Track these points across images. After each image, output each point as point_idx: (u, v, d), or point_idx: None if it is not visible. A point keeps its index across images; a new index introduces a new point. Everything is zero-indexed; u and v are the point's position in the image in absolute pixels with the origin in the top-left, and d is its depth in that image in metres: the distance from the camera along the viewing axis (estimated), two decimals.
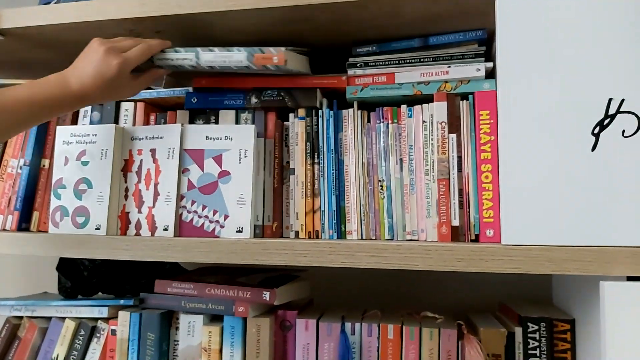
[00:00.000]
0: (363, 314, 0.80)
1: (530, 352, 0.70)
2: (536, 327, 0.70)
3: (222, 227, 0.73)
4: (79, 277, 0.87)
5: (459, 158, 0.70)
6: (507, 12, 0.62)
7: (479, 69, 0.71)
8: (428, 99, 0.73)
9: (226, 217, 0.73)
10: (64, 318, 0.85)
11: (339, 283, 1.01)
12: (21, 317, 0.89)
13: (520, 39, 0.61)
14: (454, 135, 0.71)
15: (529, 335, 0.71)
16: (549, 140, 0.59)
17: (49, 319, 0.87)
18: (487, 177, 0.67)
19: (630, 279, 0.55)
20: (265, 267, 0.96)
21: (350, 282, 1.01)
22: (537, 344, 0.70)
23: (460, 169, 0.70)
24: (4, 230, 0.82)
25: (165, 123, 0.81)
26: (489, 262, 0.57)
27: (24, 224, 0.83)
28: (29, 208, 0.83)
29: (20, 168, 0.84)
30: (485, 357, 0.69)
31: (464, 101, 0.71)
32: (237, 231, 0.72)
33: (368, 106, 0.76)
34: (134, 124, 0.82)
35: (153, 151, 0.76)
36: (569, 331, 0.70)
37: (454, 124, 0.71)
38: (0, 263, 1.23)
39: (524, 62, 0.61)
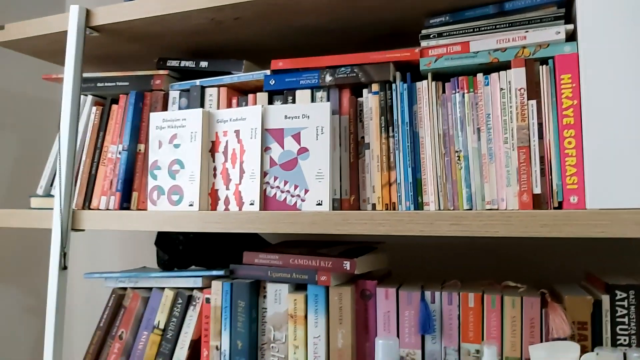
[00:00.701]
0: (442, 284, 0.81)
1: (618, 319, 0.69)
2: (624, 295, 0.69)
3: (302, 200, 0.76)
4: (175, 251, 0.96)
5: (539, 125, 0.69)
6: None
7: (559, 32, 0.69)
8: (505, 66, 0.72)
9: (306, 191, 0.76)
10: (163, 288, 0.94)
11: (417, 255, 1.03)
12: (125, 288, 0.99)
13: None
14: (533, 102, 0.69)
15: (617, 303, 0.69)
16: (634, 100, 0.56)
17: (150, 289, 0.96)
18: (569, 142, 0.65)
19: None
20: (344, 241, 0.99)
21: (428, 254, 1.02)
22: (625, 311, 0.68)
23: (541, 136, 0.69)
24: (108, 210, 0.91)
25: (246, 105, 0.85)
26: (574, 227, 0.56)
27: (125, 204, 0.91)
28: (129, 189, 0.91)
29: (119, 153, 0.92)
30: (571, 325, 0.68)
31: (544, 66, 0.69)
32: (317, 204, 0.76)
33: (442, 77, 0.76)
34: (217, 108, 0.87)
35: (237, 132, 0.81)
36: None
37: (533, 90, 0.70)
38: (103, 241, 1.36)
39: (606, 22, 0.59)
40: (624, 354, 0.64)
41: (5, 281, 1.25)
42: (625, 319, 0.69)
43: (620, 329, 0.69)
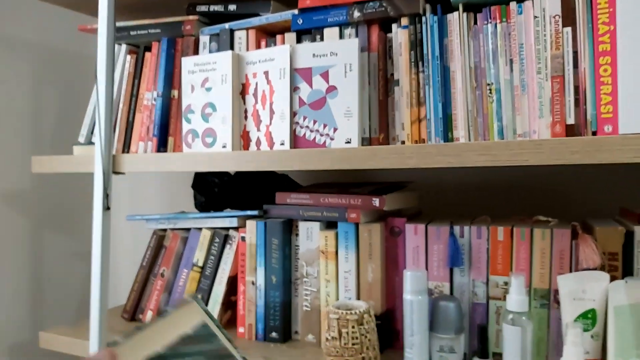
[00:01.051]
0: (472, 221, 0.82)
1: None
2: None
3: (332, 139, 0.77)
4: (210, 194, 0.99)
5: (575, 53, 0.67)
6: None
7: None
8: None
9: (335, 130, 0.77)
10: (200, 229, 0.98)
11: (448, 195, 1.03)
12: (165, 230, 1.04)
13: None
14: (568, 29, 0.67)
15: None
16: None
17: (188, 230, 1.00)
18: (605, 70, 0.63)
19: None
20: (375, 181, 1.01)
21: (460, 193, 1.02)
22: None
23: (576, 65, 0.67)
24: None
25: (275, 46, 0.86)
26: (605, 153, 0.55)
27: (161, 149, 0.95)
28: (165, 134, 0.95)
29: (154, 99, 0.95)
30: (601, 255, 0.68)
31: None
32: (346, 142, 0.77)
33: (474, 8, 0.74)
34: (247, 50, 0.88)
35: (266, 73, 0.82)
36: None
37: (569, 17, 0.67)
38: (145, 186, 1.42)
39: None
40: None
41: (53, 227, 1.33)
42: None
43: None
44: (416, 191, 0.91)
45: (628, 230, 0.69)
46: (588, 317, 0.66)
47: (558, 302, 0.70)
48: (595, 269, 0.68)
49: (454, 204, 1.03)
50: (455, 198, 1.03)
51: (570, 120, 0.67)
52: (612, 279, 0.68)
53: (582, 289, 0.66)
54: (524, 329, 0.66)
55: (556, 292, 0.71)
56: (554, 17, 0.67)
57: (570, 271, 0.70)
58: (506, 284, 0.74)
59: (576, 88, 0.67)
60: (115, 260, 1.46)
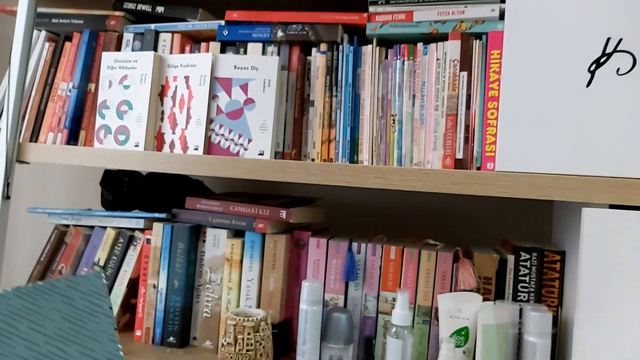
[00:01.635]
0: (370, 238, 0.87)
1: (520, 278, 0.76)
2: (528, 256, 0.76)
3: (245, 149, 0.80)
4: (119, 192, 0.98)
5: (468, 95, 0.75)
6: None
7: (494, 10, 0.74)
8: (443, 37, 0.77)
9: (249, 141, 0.80)
10: (105, 227, 0.96)
11: (354, 213, 1.09)
12: (68, 225, 1.01)
13: None
14: (464, 73, 0.75)
15: (521, 263, 0.76)
16: (547, 77, 0.63)
17: (92, 227, 0.98)
18: (492, 113, 0.71)
19: (613, 207, 0.60)
20: (285, 195, 1.04)
21: (364, 213, 1.08)
22: (527, 271, 0.76)
23: (468, 106, 0.75)
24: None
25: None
26: (482, 186, 0.63)
27: (72, 142, 0.92)
28: (77, 127, 0.92)
29: (69, 91, 0.93)
30: (477, 280, 0.76)
31: (477, 41, 0.75)
32: (259, 154, 0.79)
33: (386, 43, 0.81)
34: (170, 54, 0.89)
35: (187, 78, 0.83)
36: (559, 262, 0.75)
37: (466, 62, 0.75)
38: (51, 179, 1.36)
39: (531, 3, 0.64)
40: (520, 308, 0.72)
41: None
42: (527, 278, 0.76)
43: (522, 287, 0.77)
44: (323, 207, 0.96)
45: (502, 258, 0.77)
46: (462, 334, 0.73)
47: (438, 319, 0.76)
48: (471, 290, 0.75)
49: (359, 222, 1.08)
50: (361, 216, 1.08)
51: (460, 155, 0.74)
52: (485, 300, 0.75)
53: (458, 308, 0.73)
54: (405, 342, 0.72)
55: (437, 309, 0.77)
56: (453, 61, 0.75)
57: (450, 291, 0.77)
58: (394, 299, 0.80)
59: (467, 127, 0.75)
60: (12, 253, 1.38)
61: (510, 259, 0.77)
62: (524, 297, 0.77)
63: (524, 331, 0.69)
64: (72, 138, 0.92)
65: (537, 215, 0.98)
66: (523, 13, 0.64)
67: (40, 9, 0.95)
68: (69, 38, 0.96)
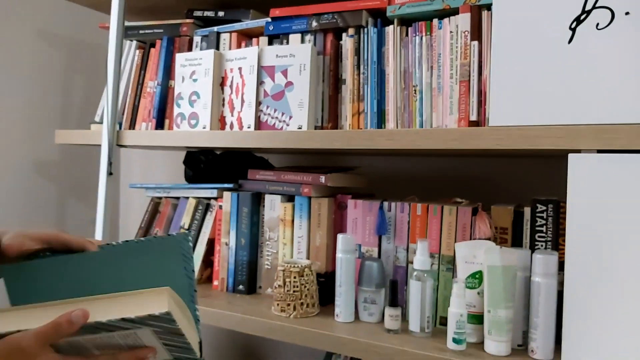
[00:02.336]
0: (401, 199, 0.98)
1: (537, 228, 0.82)
2: (544, 208, 0.82)
3: (287, 125, 0.95)
4: (198, 169, 1.18)
5: (480, 63, 0.82)
6: None
7: None
8: (455, 12, 0.85)
9: (290, 117, 0.94)
10: (188, 197, 1.17)
11: (398, 182, 1.19)
12: (161, 197, 1.24)
13: None
14: (475, 42, 0.82)
15: (537, 214, 0.82)
16: (531, 36, 0.69)
17: (178, 198, 1.19)
18: None
19: (600, 152, 0.65)
20: (333, 166, 1.17)
21: (408, 181, 1.18)
22: (544, 222, 0.82)
23: (480, 72, 0.82)
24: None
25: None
26: (477, 141, 0.71)
27: (159, 128, 1.14)
28: (162, 116, 1.14)
29: (155, 88, 1.14)
30: (493, 230, 0.83)
31: (486, 11, 0.81)
32: (297, 128, 0.94)
33: (406, 22, 0.90)
34: (230, 49, 1.06)
35: (240, 69, 1.00)
36: None
37: (476, 32, 0.82)
38: (151, 159, 1.63)
39: None
40: (531, 254, 0.78)
41: (76, 196, 1.55)
42: (543, 228, 0.82)
43: (539, 237, 0.83)
44: (363, 175, 1.08)
45: (519, 210, 0.84)
46: (476, 277, 0.81)
47: None
48: (488, 239, 0.83)
49: (404, 189, 1.18)
50: (406, 184, 1.18)
51: (473, 117, 0.82)
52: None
53: (473, 254, 0.81)
54: (424, 284, 0.82)
55: None
56: (464, 32, 0.83)
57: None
58: None
59: (480, 91, 0.82)
60: (128, 223, 1.67)
61: (527, 211, 0.83)
62: (541, 246, 0.82)
63: (532, 273, 0.76)
64: (159, 125, 1.14)
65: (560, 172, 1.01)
66: None
67: (131, 23, 1.18)
68: (153, 45, 1.17)
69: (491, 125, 0.72)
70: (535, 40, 0.68)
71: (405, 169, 1.18)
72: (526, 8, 0.70)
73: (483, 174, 1.10)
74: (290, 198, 1.06)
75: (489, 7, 0.82)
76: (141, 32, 1.17)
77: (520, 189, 1.06)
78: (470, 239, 0.86)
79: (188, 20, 1.12)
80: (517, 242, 0.84)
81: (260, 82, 0.98)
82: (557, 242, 0.81)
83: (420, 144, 0.75)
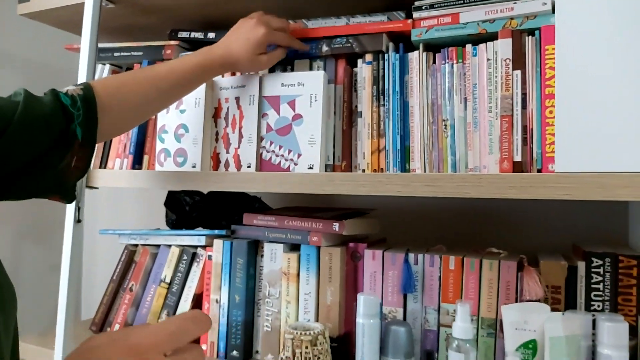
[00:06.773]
0: (427, 249, 0.85)
1: (593, 286, 0.71)
2: (600, 262, 0.71)
3: (295, 164, 0.81)
4: (181, 212, 1.02)
5: (523, 94, 0.71)
6: None
7: (545, 3, 0.70)
8: (492, 37, 0.74)
9: (299, 155, 0.81)
10: (170, 245, 1.00)
11: (413, 223, 1.06)
12: (136, 245, 1.07)
13: None
14: (518, 72, 0.71)
15: (593, 270, 0.71)
16: (604, 69, 0.58)
17: (158, 246, 1.03)
18: (551, 112, 0.67)
19: None
20: (340, 208, 1.04)
21: (423, 223, 1.05)
22: (600, 278, 0.71)
23: (524, 106, 0.71)
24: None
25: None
26: (540, 189, 0.59)
27: (136, 166, 0.98)
28: (140, 152, 0.98)
29: None
30: (544, 289, 0.71)
31: (530, 37, 0.71)
32: (308, 168, 0.80)
33: (433, 48, 0.79)
34: (222, 77, 0.92)
35: (237, 99, 0.86)
36: (635, 267, 0.69)
37: (518, 61, 0.71)
38: (124, 202, 1.45)
39: None
40: (594, 319, 0.67)
41: (33, 240, 1.35)
42: (600, 286, 0.71)
43: (595, 295, 0.71)
44: (378, 219, 0.94)
45: (572, 265, 0.72)
46: (529, 347, 0.68)
47: (503, 332, 0.72)
48: (538, 300, 0.71)
49: (419, 233, 1.06)
50: (420, 227, 1.06)
51: (518, 158, 0.71)
52: (554, 311, 0.70)
53: (525, 319, 0.69)
54: (468, 356, 0.68)
55: (502, 322, 0.73)
56: (505, 60, 0.72)
57: (516, 302, 0.73)
58: (455, 311, 0.77)
59: (524, 127, 0.71)
60: (91, 273, 1.48)
61: (581, 266, 0.72)
62: (598, 306, 0.71)
63: (597, 343, 0.64)
64: (137, 162, 0.98)
65: (610, 218, 0.91)
66: (574, 1, 0.60)
67: (104, 45, 1.02)
68: (130, 69, 1.02)
69: (558, 172, 0.60)
70: (608, 73, 0.58)
71: (418, 206, 1.06)
72: (595, 34, 0.59)
73: (514, 214, 0.99)
74: (294, 247, 0.91)
75: (532, 32, 0.71)
76: (116, 54, 1.02)
77: (556, 233, 0.95)
78: (516, 300, 0.73)
79: (172, 42, 0.97)
80: (570, 303, 0.72)
81: (262, 115, 0.84)
82: (616, 302, 0.70)
83: (468, 191, 0.63)
